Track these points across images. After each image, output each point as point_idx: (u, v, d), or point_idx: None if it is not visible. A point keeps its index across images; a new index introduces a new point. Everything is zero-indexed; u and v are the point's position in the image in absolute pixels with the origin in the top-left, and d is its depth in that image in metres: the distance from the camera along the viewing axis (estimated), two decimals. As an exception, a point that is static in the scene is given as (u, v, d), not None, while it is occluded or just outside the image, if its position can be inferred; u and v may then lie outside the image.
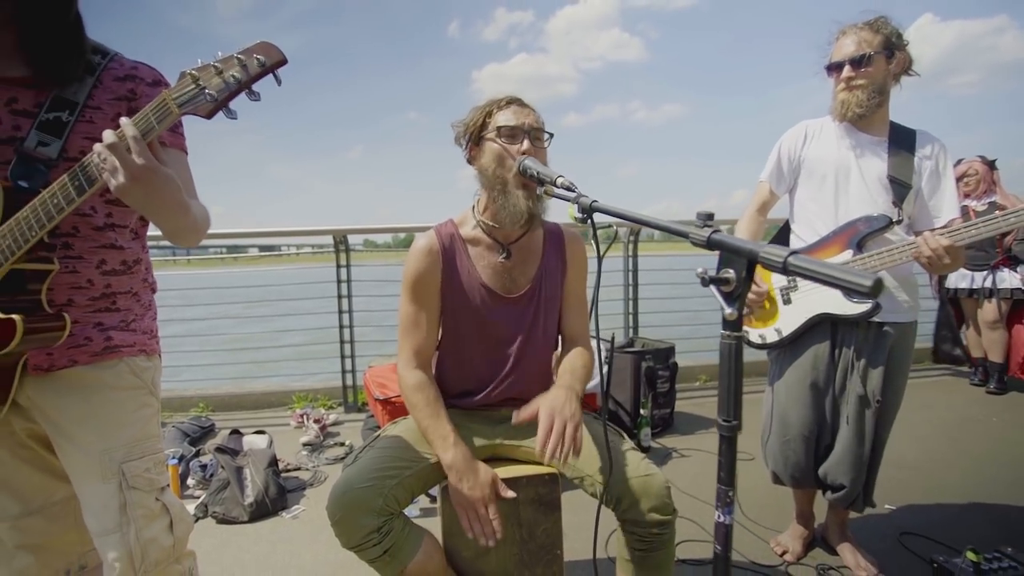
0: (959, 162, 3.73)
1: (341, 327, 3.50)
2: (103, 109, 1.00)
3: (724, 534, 0.75)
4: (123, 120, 0.84)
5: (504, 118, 1.28)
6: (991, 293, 3.60)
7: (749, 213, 1.79)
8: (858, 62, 1.50)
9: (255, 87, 0.83)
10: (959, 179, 3.61)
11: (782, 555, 1.81)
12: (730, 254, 0.63)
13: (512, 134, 1.26)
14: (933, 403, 3.43)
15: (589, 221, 1.02)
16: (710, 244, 0.66)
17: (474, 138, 1.33)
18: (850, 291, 0.59)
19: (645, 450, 2.77)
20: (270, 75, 0.83)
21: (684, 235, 0.71)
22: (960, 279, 3.72)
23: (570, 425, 1.17)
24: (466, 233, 1.39)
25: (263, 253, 5.26)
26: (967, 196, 3.60)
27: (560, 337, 1.48)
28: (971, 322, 3.80)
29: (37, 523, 1.09)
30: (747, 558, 1.81)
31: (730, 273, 0.62)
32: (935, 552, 1.70)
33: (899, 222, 1.52)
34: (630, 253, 3.75)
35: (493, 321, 1.37)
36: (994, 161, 3.65)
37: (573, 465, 1.29)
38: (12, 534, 1.08)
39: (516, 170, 1.23)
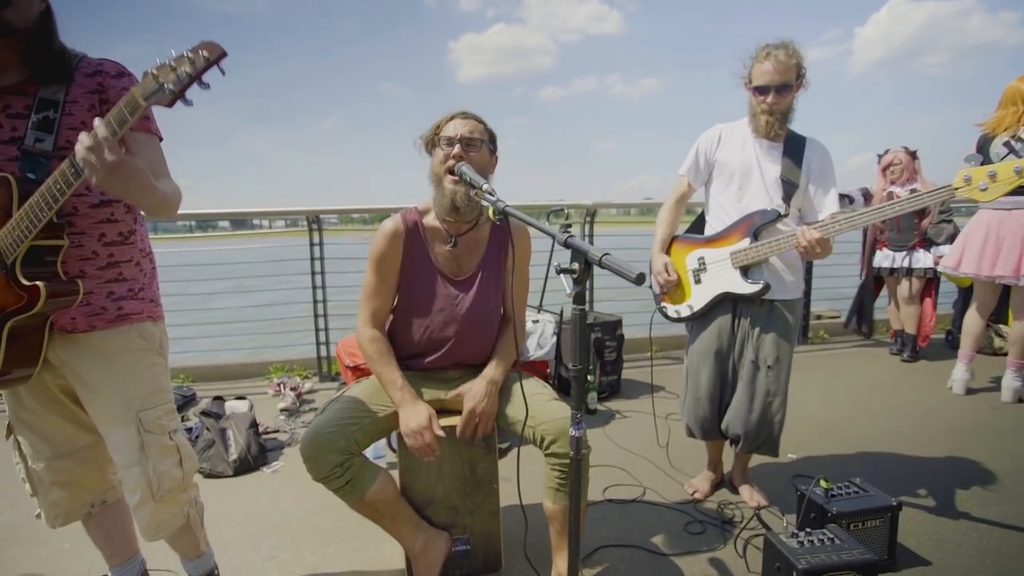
0: (886, 152, 4.08)
1: (315, 302, 3.72)
2: (79, 102, 1.19)
3: (576, 444, 1.03)
4: (96, 122, 1.01)
5: (446, 129, 1.53)
6: (908, 272, 3.99)
7: (668, 203, 2.08)
8: (780, 89, 1.78)
9: (204, 78, 0.98)
10: (885, 168, 3.96)
11: (692, 494, 2.15)
12: (577, 252, 0.90)
13: (449, 142, 1.51)
14: (853, 370, 3.84)
15: (503, 216, 1.26)
16: (566, 245, 0.93)
17: (428, 145, 1.58)
18: (623, 277, 0.85)
19: (591, 412, 3.09)
20: (216, 67, 0.98)
21: (552, 236, 0.98)
22: (883, 259, 4.10)
23: (482, 424, 1.55)
24: (427, 222, 1.65)
25: (236, 232, 5.37)
26: (892, 183, 3.96)
27: (503, 312, 1.75)
28: (892, 298, 4.21)
29: (67, 464, 1.34)
30: (666, 499, 2.15)
31: (576, 265, 0.89)
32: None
33: (786, 215, 1.81)
34: (586, 232, 4.02)
35: (441, 298, 1.63)
36: (915, 151, 4.01)
37: (505, 415, 1.58)
38: (48, 473, 1.32)
39: (447, 170, 1.48)
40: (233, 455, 2.49)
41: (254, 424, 2.65)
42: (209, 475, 2.43)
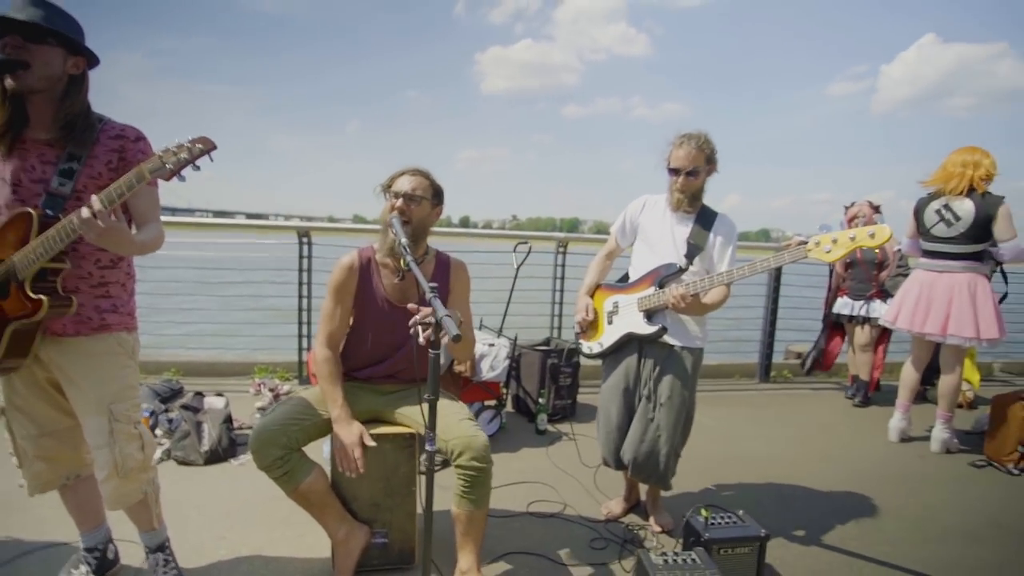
0: (852, 204, 4.31)
1: (300, 310, 4.01)
2: (99, 158, 1.50)
3: (431, 458, 1.26)
4: (93, 198, 1.30)
5: (396, 184, 1.82)
6: (865, 320, 4.20)
7: (598, 257, 2.35)
8: (689, 174, 2.05)
9: (198, 163, 1.30)
10: (851, 219, 4.19)
11: (605, 514, 2.37)
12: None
13: (396, 195, 1.79)
14: (803, 411, 4.05)
15: (408, 264, 1.52)
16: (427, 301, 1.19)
17: (384, 192, 1.86)
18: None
19: (540, 432, 3.33)
20: (207, 156, 1.30)
21: (425, 288, 1.24)
22: (843, 306, 4.32)
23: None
24: (379, 258, 1.93)
25: (251, 222, 5.67)
26: None
27: None
28: (850, 344, 4.41)
29: (49, 442, 1.62)
30: (582, 516, 2.38)
31: (431, 319, 1.15)
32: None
33: (685, 270, 2.06)
34: (559, 263, 4.29)
35: (388, 322, 1.90)
36: (879, 206, 4.24)
37: (417, 429, 1.84)
38: (32, 448, 1.61)
39: (390, 221, 1.75)
40: (205, 446, 2.77)
41: (228, 419, 2.93)
42: (182, 462, 2.71)
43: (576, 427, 3.40)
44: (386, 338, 1.92)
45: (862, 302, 4.22)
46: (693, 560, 1.71)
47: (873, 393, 4.28)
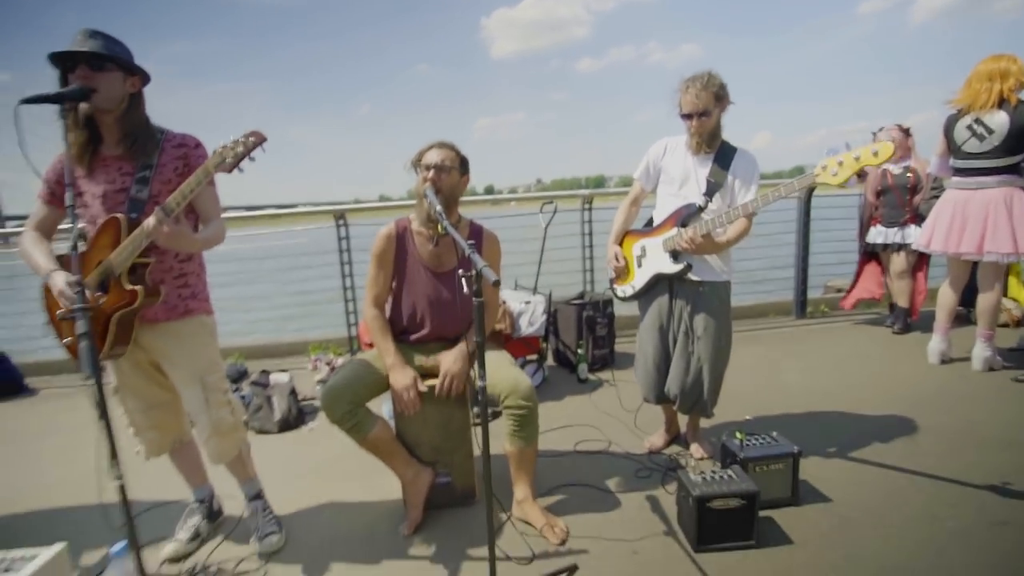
0: (880, 130, 4.21)
1: (344, 288, 4.26)
2: (167, 165, 1.70)
3: (483, 392, 1.40)
4: (156, 210, 1.50)
5: (425, 157, 1.96)
6: (900, 247, 4.15)
7: (624, 204, 2.43)
8: (701, 115, 2.10)
9: (252, 154, 1.50)
10: None
11: (648, 448, 2.54)
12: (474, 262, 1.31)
13: (427, 168, 1.93)
14: (842, 342, 4.08)
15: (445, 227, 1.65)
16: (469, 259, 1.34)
17: (414, 167, 2.00)
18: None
19: (583, 381, 3.50)
20: (259, 147, 1.49)
21: (464, 246, 1.39)
22: (877, 235, 4.27)
23: (456, 380, 1.97)
24: (414, 227, 2.09)
25: (281, 212, 5.94)
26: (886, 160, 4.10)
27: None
28: (888, 272, 4.37)
29: (157, 414, 1.89)
30: (626, 451, 2.55)
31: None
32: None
33: (704, 207, 2.14)
34: (586, 219, 4.37)
35: (424, 286, 2.07)
36: (909, 128, 4.13)
37: (473, 380, 2.02)
38: (144, 420, 1.88)
39: (423, 192, 1.89)
40: (277, 416, 3.06)
41: (293, 392, 3.20)
42: (259, 432, 3.01)
43: (616, 374, 3.56)
44: (426, 300, 2.09)
45: (896, 229, 4.16)
46: (730, 476, 1.86)
47: (915, 320, 4.26)
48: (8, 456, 2.94)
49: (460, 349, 2.03)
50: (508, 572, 1.76)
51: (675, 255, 2.19)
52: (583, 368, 3.52)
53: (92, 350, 1.25)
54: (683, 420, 2.57)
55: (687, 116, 2.13)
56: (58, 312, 1.55)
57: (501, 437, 2.00)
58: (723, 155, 2.17)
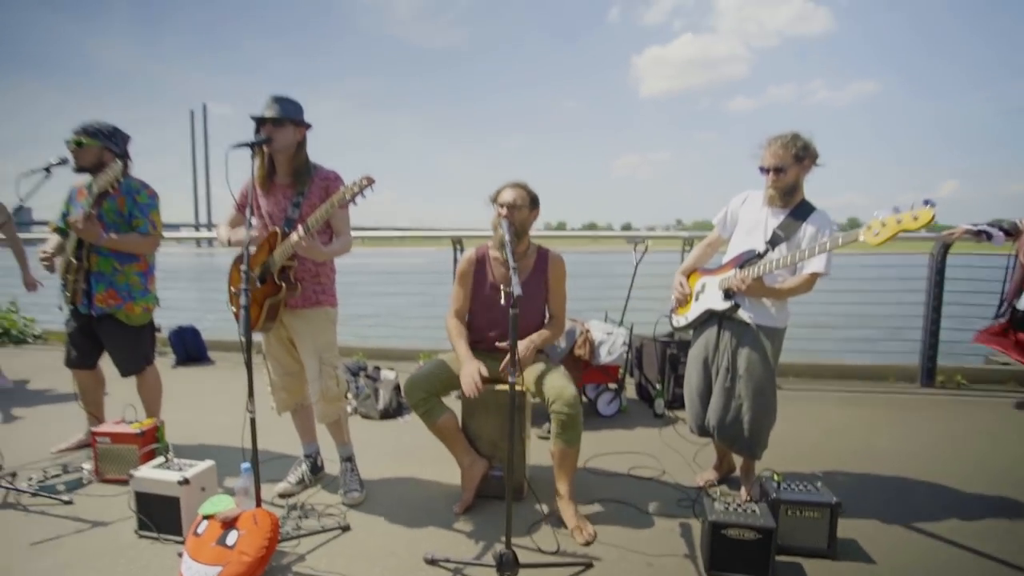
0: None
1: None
2: (315, 193, 2.29)
3: (512, 386, 1.71)
4: (299, 227, 2.07)
5: (500, 196, 2.35)
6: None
7: (701, 245, 2.60)
8: (777, 171, 2.26)
9: (365, 192, 2.02)
10: None
11: (699, 482, 2.62)
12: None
13: (500, 205, 2.32)
14: (965, 416, 3.66)
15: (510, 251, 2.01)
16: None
17: (493, 203, 2.41)
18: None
19: (658, 416, 3.60)
20: (370, 187, 2.02)
21: (512, 265, 1.72)
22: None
23: (523, 361, 2.29)
24: (492, 253, 2.49)
25: (419, 232, 6.85)
26: None
27: (548, 314, 2.51)
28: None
29: (288, 379, 2.48)
30: (677, 481, 2.65)
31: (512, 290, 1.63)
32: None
33: (762, 255, 2.25)
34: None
35: (496, 302, 2.44)
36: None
37: (528, 387, 2.33)
38: (280, 382, 2.48)
39: (498, 224, 2.28)
40: (380, 406, 3.61)
41: (397, 388, 3.75)
42: (364, 416, 3.58)
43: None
44: (498, 314, 2.45)
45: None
46: (753, 511, 1.94)
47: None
48: (190, 404, 3.83)
49: (529, 339, 2.35)
50: (531, 558, 2.01)
51: (727, 294, 2.32)
52: (659, 403, 3.63)
53: (247, 318, 1.81)
54: (739, 462, 2.61)
55: (764, 169, 2.27)
56: (233, 289, 2.19)
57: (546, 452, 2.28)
58: (799, 210, 2.26)
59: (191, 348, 5.23)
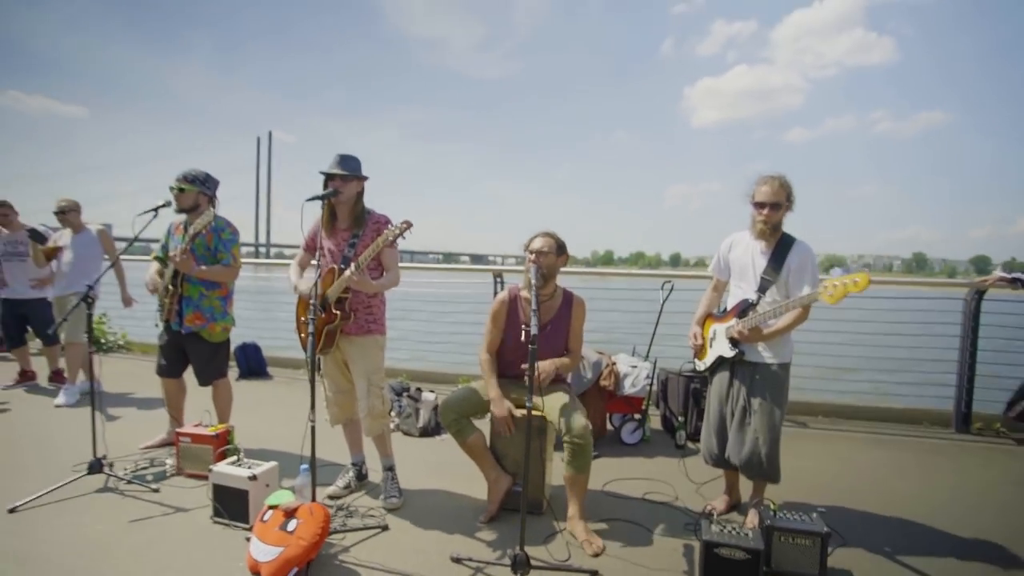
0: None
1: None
2: (368, 235, 2.69)
3: (529, 412, 2.00)
4: (352, 265, 2.48)
5: (531, 244, 2.68)
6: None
7: (707, 292, 2.85)
8: (773, 207, 2.51)
9: (405, 235, 2.43)
10: None
11: (707, 509, 2.79)
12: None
13: (531, 252, 2.65)
14: (997, 465, 3.65)
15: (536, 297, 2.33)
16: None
17: (525, 250, 2.75)
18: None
19: (680, 447, 3.78)
20: (409, 229, 2.42)
21: (533, 307, 2.03)
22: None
23: (544, 375, 2.56)
24: (522, 293, 2.81)
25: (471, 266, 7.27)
26: None
27: (567, 350, 2.79)
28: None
29: (340, 396, 2.87)
30: (688, 507, 2.84)
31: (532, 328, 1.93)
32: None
33: (756, 304, 2.48)
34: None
35: (522, 343, 2.75)
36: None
37: (547, 415, 2.61)
38: (333, 398, 2.87)
39: (528, 268, 2.60)
40: (420, 424, 3.95)
41: (435, 408, 4.09)
42: (405, 433, 3.93)
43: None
44: (524, 349, 2.75)
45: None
46: (746, 534, 2.13)
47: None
48: (253, 413, 4.29)
49: (550, 360, 2.64)
50: (542, 563, 2.26)
51: (733, 343, 2.55)
52: (681, 435, 3.81)
53: (313, 343, 2.20)
54: (746, 494, 2.78)
55: (760, 205, 2.51)
56: (302, 318, 2.60)
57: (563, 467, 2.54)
58: (780, 250, 2.50)
59: (253, 363, 5.76)
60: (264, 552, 2.08)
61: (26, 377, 5.10)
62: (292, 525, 2.13)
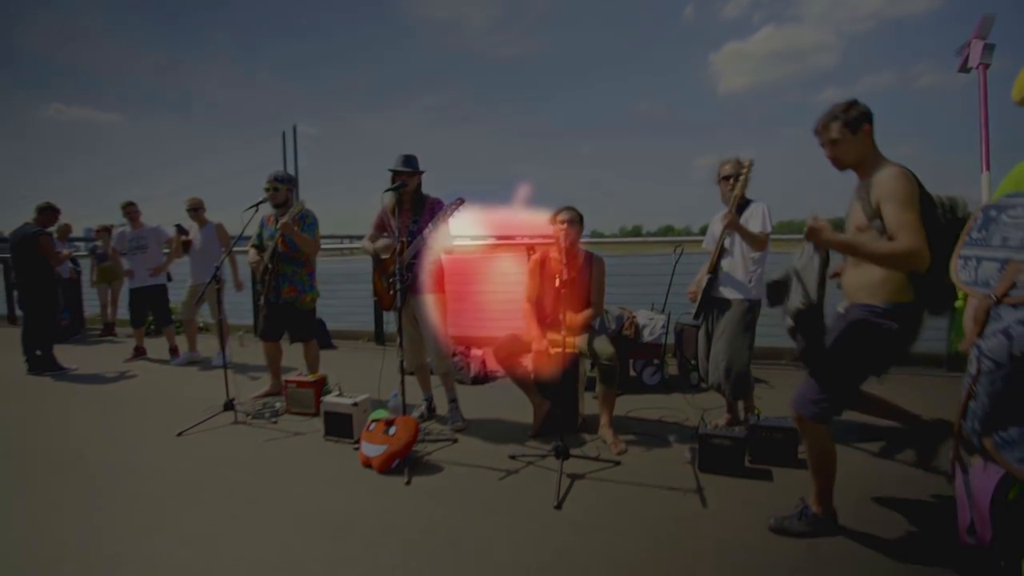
0: None
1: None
2: (426, 216, 3.39)
3: (571, 357, 2.69)
4: (408, 249, 3.19)
5: (559, 215, 3.33)
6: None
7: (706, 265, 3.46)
8: (730, 178, 3.12)
9: (458, 211, 3.13)
10: None
11: (712, 424, 3.44)
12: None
13: (560, 222, 3.31)
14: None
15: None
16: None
17: (552, 221, 3.40)
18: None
19: (693, 386, 4.42)
20: (463, 205, 3.12)
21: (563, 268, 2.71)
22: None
23: (579, 325, 3.23)
24: (552, 254, 3.48)
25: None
26: None
27: (590, 303, 3.46)
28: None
29: (413, 345, 3.61)
30: (695, 425, 3.50)
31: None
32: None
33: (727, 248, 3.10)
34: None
35: (555, 291, 3.42)
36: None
37: (581, 349, 3.29)
38: (408, 345, 3.59)
39: (558, 233, 3.27)
40: (471, 375, 4.70)
41: (484, 362, 4.82)
42: (459, 382, 4.68)
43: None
44: (556, 298, 3.42)
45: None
46: (736, 430, 2.79)
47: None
48: (329, 373, 5.10)
49: (581, 312, 3.31)
50: (576, 465, 2.95)
51: (714, 274, 3.17)
52: (694, 376, 4.44)
53: (403, 296, 2.95)
54: (743, 413, 3.43)
55: (726, 178, 3.14)
56: (381, 284, 3.35)
57: (593, 395, 3.23)
58: (740, 208, 3.12)
59: (319, 335, 6.60)
60: (373, 450, 2.85)
61: (139, 352, 6.05)
62: (392, 430, 2.89)
